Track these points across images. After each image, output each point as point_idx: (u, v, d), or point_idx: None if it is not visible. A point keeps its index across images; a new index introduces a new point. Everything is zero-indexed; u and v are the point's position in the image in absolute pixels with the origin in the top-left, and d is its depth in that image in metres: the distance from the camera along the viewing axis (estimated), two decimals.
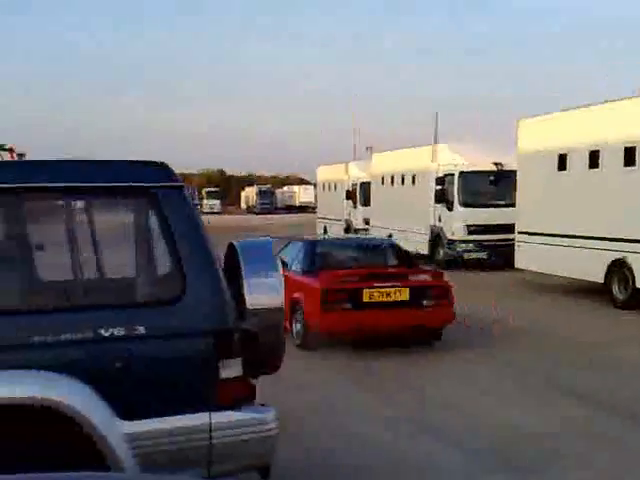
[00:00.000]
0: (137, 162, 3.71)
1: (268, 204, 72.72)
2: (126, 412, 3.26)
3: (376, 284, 8.25)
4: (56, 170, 3.54)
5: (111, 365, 3.26)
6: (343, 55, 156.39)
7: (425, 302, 8.37)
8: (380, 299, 8.20)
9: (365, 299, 8.18)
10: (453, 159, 18.31)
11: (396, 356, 8.38)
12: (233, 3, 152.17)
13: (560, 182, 12.90)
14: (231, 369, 3.43)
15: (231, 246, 3.97)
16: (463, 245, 17.76)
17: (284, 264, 8.39)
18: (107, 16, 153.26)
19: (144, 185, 3.52)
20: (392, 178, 21.47)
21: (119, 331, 3.29)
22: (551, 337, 9.65)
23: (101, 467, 3.13)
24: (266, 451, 3.57)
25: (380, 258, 9.66)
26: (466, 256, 17.80)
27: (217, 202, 74.79)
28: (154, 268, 3.67)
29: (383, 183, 22.21)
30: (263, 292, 3.73)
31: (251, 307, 3.68)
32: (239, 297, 3.68)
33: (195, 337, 3.41)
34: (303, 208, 64.93)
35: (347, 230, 25.89)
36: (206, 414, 3.37)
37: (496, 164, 17.47)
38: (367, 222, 23.72)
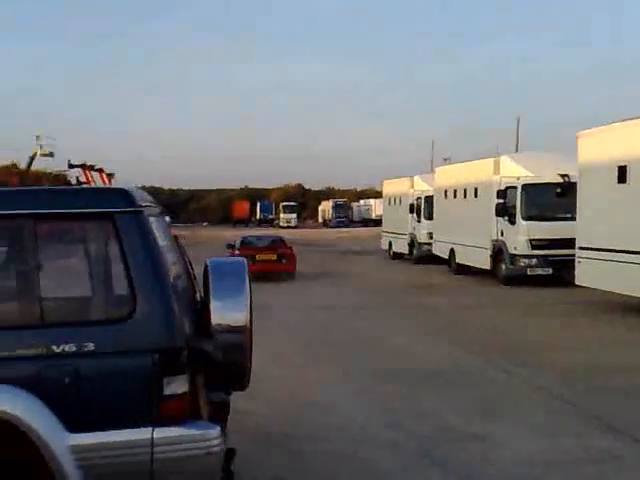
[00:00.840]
0: (99, 189, 3.92)
1: (343, 218, 72.85)
2: (72, 425, 3.39)
3: (262, 252, 19.79)
4: (25, 198, 3.82)
5: (60, 380, 3.41)
6: (421, 69, 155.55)
7: (283, 260, 19.86)
8: (263, 258, 19.29)
9: (258, 258, 18.82)
10: (516, 171, 17.70)
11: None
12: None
13: (620, 195, 12.19)
14: (176, 386, 3.49)
15: (206, 264, 4.11)
16: (526, 260, 17.10)
17: (232, 247, 20.30)
18: None
19: (102, 210, 3.68)
20: (455, 191, 20.99)
21: (70, 347, 3.44)
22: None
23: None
24: (209, 467, 3.61)
25: (269, 242, 21.41)
26: (529, 272, 17.13)
27: (293, 216, 75.53)
28: (107, 288, 3.83)
29: (446, 197, 21.74)
30: (228, 311, 3.84)
31: (215, 325, 3.81)
32: (206, 315, 3.83)
33: (141, 354, 3.50)
34: (380, 222, 64.68)
35: (411, 245, 25.47)
36: (149, 429, 3.45)
37: (562, 175, 16.72)
38: (431, 236, 23.29)
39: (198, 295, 4.40)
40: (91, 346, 3.45)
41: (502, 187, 17.66)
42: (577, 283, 13.92)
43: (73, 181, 45.20)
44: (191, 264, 4.79)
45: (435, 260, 22.36)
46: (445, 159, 44.91)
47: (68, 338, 3.45)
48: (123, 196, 3.76)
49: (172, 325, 3.55)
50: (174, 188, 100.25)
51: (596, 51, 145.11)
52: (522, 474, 5.31)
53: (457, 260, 20.63)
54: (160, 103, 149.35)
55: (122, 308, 3.58)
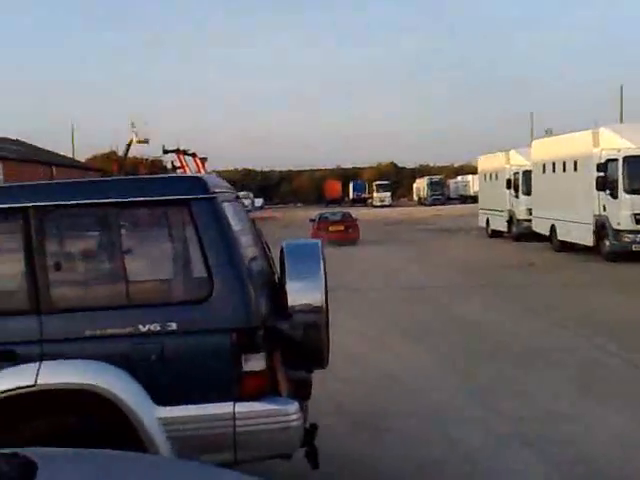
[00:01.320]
0: (175, 177, 4.31)
1: (439, 195, 71.66)
2: (160, 398, 3.67)
3: (334, 224, 26.43)
4: (109, 188, 4.15)
5: (147, 357, 3.67)
6: (522, 36, 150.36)
7: (349, 230, 26.12)
8: (334, 229, 25.85)
9: (330, 229, 25.56)
10: (617, 143, 17.00)
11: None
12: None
13: None
14: (254, 363, 3.70)
15: (282, 247, 4.32)
16: (631, 236, 16.46)
17: (313, 221, 27.31)
18: None
19: (179, 197, 3.91)
20: (553, 165, 20.36)
21: (155, 327, 3.70)
22: None
23: (138, 448, 3.53)
24: (288, 440, 3.82)
25: (340, 217, 27.87)
26: (634, 248, 16.48)
27: (387, 195, 74.90)
28: (186, 271, 4.05)
29: (544, 171, 21.13)
30: (303, 292, 4.05)
31: (292, 306, 4.02)
32: (283, 296, 4.05)
33: (220, 333, 3.72)
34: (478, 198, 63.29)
35: (510, 222, 24.91)
36: (230, 404, 3.68)
37: None
38: (530, 212, 22.70)
39: (276, 277, 4.55)
40: (174, 325, 3.69)
41: (602, 160, 17.01)
42: None
43: (168, 166, 46.65)
44: (268, 246, 4.95)
45: (536, 237, 21.83)
46: (546, 131, 43.42)
47: (153, 318, 3.70)
48: (197, 184, 3.98)
49: (248, 305, 3.75)
50: (266, 170, 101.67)
51: None
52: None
53: (558, 237, 20.05)
54: (255, 85, 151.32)
55: (200, 290, 3.78)
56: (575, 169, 18.88)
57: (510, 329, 10.01)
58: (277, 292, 4.17)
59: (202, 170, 44.67)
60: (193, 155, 46.50)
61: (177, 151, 44.87)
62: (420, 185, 78.11)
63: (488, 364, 7.99)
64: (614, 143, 17.10)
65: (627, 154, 16.50)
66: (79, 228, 4.21)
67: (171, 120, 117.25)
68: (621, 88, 45.63)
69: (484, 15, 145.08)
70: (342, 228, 26.06)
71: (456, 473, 5.14)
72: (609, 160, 16.85)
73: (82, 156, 56.40)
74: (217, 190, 4.07)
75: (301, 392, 4.26)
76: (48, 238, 3.91)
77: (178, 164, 45.55)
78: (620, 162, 16.57)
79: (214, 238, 3.80)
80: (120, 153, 48.47)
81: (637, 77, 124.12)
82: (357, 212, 33.48)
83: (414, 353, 8.78)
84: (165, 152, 45.89)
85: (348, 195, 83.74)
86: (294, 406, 3.81)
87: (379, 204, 71.54)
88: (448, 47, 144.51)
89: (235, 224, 4.11)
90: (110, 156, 52.81)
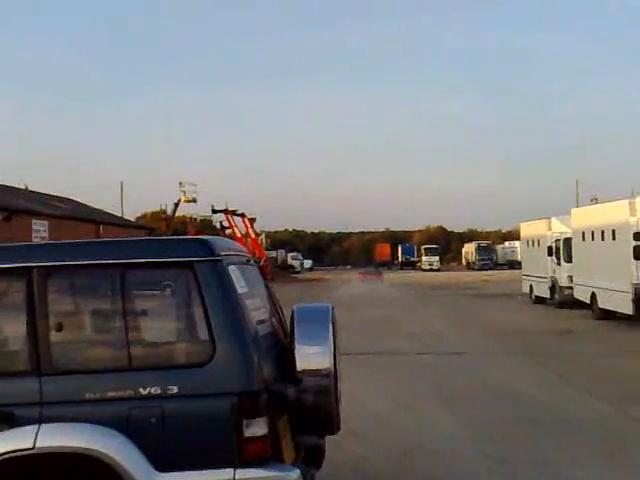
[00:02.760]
0: (181, 239, 4.38)
1: (488, 260, 71.38)
2: (159, 464, 3.63)
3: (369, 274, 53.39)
4: (113, 249, 4.15)
5: (147, 421, 3.64)
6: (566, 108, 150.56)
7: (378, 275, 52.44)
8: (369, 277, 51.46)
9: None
10: None
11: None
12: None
13: None
14: (256, 428, 3.65)
15: (292, 310, 4.32)
16: None
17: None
18: None
19: (183, 259, 3.92)
20: (592, 234, 20.37)
21: (155, 390, 3.68)
22: None
23: None
24: None
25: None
26: None
27: (436, 259, 74.87)
28: (188, 333, 4.00)
29: (584, 239, 21.13)
30: (312, 356, 4.04)
31: (300, 370, 4.02)
32: (291, 360, 4.05)
33: (221, 397, 3.67)
34: None
35: (552, 288, 24.78)
36: (231, 470, 3.64)
37: None
38: (572, 279, 22.62)
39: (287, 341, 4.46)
40: (175, 389, 3.66)
41: (639, 229, 17.05)
42: None
43: (217, 226, 47.31)
44: (281, 309, 4.93)
45: (578, 304, 21.68)
46: (592, 199, 43.17)
47: (154, 381, 3.67)
48: (203, 245, 3.98)
49: (250, 369, 3.71)
50: (316, 231, 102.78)
51: None
52: None
53: (599, 305, 19.91)
54: (302, 146, 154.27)
55: (202, 353, 3.75)
56: (613, 238, 18.86)
57: (541, 397, 10.09)
58: (286, 356, 4.11)
59: (250, 230, 45.47)
60: (242, 215, 47.02)
61: (225, 211, 45.45)
62: (469, 250, 77.89)
63: (512, 429, 8.11)
64: None
65: None
66: (82, 289, 4.14)
67: (221, 181, 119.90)
68: None
69: (535, 81, 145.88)
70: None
71: None
72: None
73: (132, 214, 58.01)
74: (223, 253, 4.04)
75: (312, 459, 4.26)
76: (50, 298, 3.87)
77: (227, 224, 46.18)
78: None
79: (217, 301, 3.77)
80: (168, 212, 49.24)
81: None
82: (406, 275, 33.48)
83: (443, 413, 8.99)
84: (214, 212, 46.53)
85: (397, 258, 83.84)
86: (295, 473, 3.75)
87: (427, 268, 71.50)
88: (500, 112, 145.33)
89: (243, 287, 4.12)
90: (159, 214, 53.59)
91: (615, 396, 9.74)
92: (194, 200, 45.80)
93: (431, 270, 68.62)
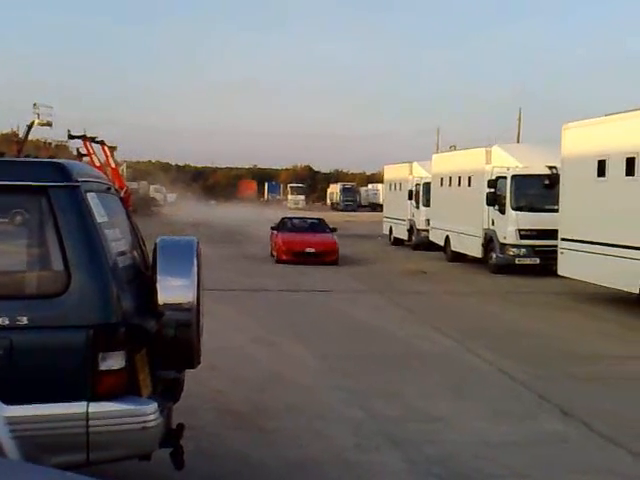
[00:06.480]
0: (34, 162, 3.98)
1: (351, 201, 72.98)
2: (8, 397, 3.50)
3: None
4: None
5: None
6: (435, 53, 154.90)
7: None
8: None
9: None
10: (507, 161, 17.99)
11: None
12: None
13: (599, 189, 12.52)
14: (112, 361, 3.60)
15: (155, 243, 4.15)
16: (515, 250, 17.43)
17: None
18: None
19: (36, 184, 3.70)
20: (450, 179, 21.29)
21: (3, 321, 3.53)
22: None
23: None
24: (145, 441, 3.76)
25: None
26: (518, 261, 17.47)
27: (301, 198, 75.70)
28: (41, 263, 3.80)
29: (442, 184, 22.05)
30: (174, 291, 3.94)
31: (162, 304, 3.93)
32: (153, 293, 3.95)
33: (76, 329, 3.58)
34: None
35: (410, 230, 25.80)
36: (84, 403, 3.57)
37: (550, 167, 16.96)
38: (429, 223, 23.61)
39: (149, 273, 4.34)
40: (24, 320, 3.53)
41: (493, 177, 17.97)
42: (559, 273, 14.28)
43: (74, 152, 44.85)
44: (143, 241, 4.82)
45: (433, 247, 22.73)
46: (451, 146, 44.92)
47: (2, 311, 3.51)
48: (58, 170, 3.77)
49: (107, 301, 3.62)
50: (181, 164, 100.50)
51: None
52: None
53: (452, 247, 20.97)
54: (168, 74, 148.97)
55: (56, 283, 3.61)
56: (469, 184, 19.81)
57: (392, 331, 10.56)
58: (148, 289, 4.01)
59: (110, 160, 43.47)
60: (101, 143, 44.70)
61: (83, 137, 42.94)
62: (334, 190, 79.26)
63: (364, 362, 8.46)
64: (504, 161, 18.09)
65: (515, 172, 17.47)
66: None
67: (80, 106, 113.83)
68: (520, 110, 47.73)
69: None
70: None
71: None
72: (499, 177, 17.80)
73: None
74: (81, 179, 3.86)
75: (170, 393, 4.21)
76: None
77: (84, 151, 43.84)
78: (508, 180, 17.52)
79: (73, 230, 3.64)
80: (21, 135, 46.13)
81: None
82: (272, 214, 33.50)
83: (291, 345, 9.20)
84: (70, 137, 43.75)
85: (263, 195, 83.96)
86: (152, 406, 3.71)
87: (293, 206, 72.12)
88: (372, 55, 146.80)
89: (103, 216, 3.97)
90: (10, 137, 50.19)
91: (461, 333, 10.37)
92: (49, 124, 43.05)
93: (296, 208, 69.17)
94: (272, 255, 20.84)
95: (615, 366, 8.56)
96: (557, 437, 6.03)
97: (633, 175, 11.50)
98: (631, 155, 11.54)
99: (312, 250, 19.60)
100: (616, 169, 11.95)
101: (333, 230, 21.63)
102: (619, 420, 6.45)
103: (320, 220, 22.87)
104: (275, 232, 21.04)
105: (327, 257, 19.64)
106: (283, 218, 22.67)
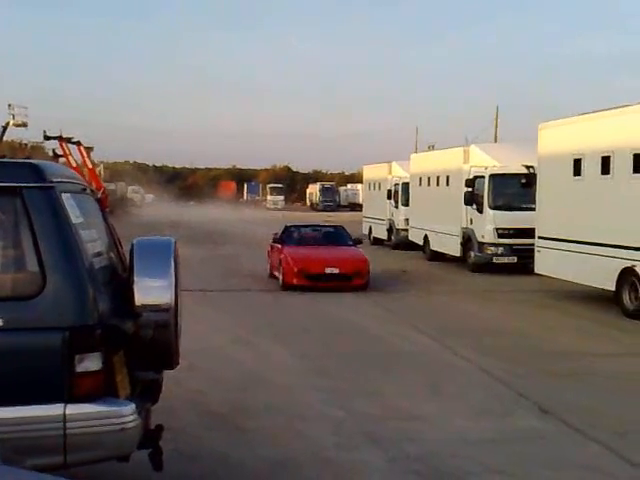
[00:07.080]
0: (8, 162, 3.95)
1: (331, 201, 72.88)
2: None
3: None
4: None
5: None
6: (413, 52, 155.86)
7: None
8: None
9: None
10: (485, 160, 18.11)
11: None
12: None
13: (575, 187, 12.64)
14: (89, 363, 3.59)
15: (132, 244, 4.12)
16: (493, 248, 17.54)
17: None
18: None
19: (10, 185, 3.67)
20: (428, 179, 21.39)
21: None
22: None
23: None
24: (123, 443, 3.75)
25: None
26: (496, 260, 17.59)
27: (280, 198, 75.45)
28: (15, 264, 3.77)
29: (420, 184, 22.14)
30: (151, 292, 3.92)
31: (139, 305, 3.90)
32: (130, 294, 3.92)
33: (51, 331, 3.56)
34: None
35: (390, 230, 25.86)
36: (61, 405, 3.55)
37: (527, 167, 17.05)
38: (408, 222, 23.68)
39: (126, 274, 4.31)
40: None
41: (471, 176, 18.07)
42: (536, 272, 14.39)
43: (50, 153, 44.30)
44: (120, 242, 4.81)
45: (412, 246, 22.81)
46: (429, 146, 45.16)
47: None
48: (33, 170, 3.75)
49: (83, 302, 3.60)
50: (159, 165, 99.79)
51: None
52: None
53: (431, 247, 21.06)
54: (147, 74, 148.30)
55: (31, 285, 3.59)
56: (447, 183, 19.91)
57: (372, 330, 10.59)
58: (125, 290, 3.98)
59: (87, 160, 43.03)
60: (77, 143, 44.19)
61: (60, 138, 42.43)
62: (313, 190, 79.14)
63: (343, 360, 8.46)
64: (482, 161, 18.20)
65: (493, 172, 17.59)
66: None
67: (56, 106, 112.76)
68: (497, 108, 48.05)
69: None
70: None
71: None
72: (477, 176, 17.90)
73: None
74: (56, 179, 3.84)
75: (148, 394, 4.19)
76: None
77: (60, 152, 43.36)
78: (486, 179, 17.64)
79: (48, 231, 3.61)
80: None
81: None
82: (251, 214, 33.35)
83: (272, 347, 9.17)
84: (46, 138, 43.19)
85: (242, 196, 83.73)
86: (130, 407, 3.71)
87: (272, 207, 71.92)
88: (352, 54, 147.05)
89: (78, 217, 3.95)
90: None
91: (437, 331, 10.43)
92: (24, 124, 42.51)
93: (276, 209, 69.04)
94: (273, 276, 15.66)
95: (593, 363, 8.64)
96: (535, 434, 6.08)
97: (608, 174, 11.63)
98: (606, 154, 11.67)
99: (335, 270, 14.44)
100: (592, 168, 12.08)
101: (357, 242, 16.25)
102: (596, 416, 6.52)
103: (337, 228, 17.20)
104: (279, 245, 15.48)
105: (355, 280, 14.45)
106: (288, 227, 16.78)
